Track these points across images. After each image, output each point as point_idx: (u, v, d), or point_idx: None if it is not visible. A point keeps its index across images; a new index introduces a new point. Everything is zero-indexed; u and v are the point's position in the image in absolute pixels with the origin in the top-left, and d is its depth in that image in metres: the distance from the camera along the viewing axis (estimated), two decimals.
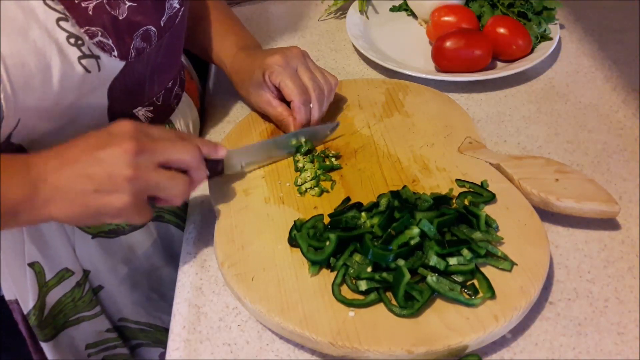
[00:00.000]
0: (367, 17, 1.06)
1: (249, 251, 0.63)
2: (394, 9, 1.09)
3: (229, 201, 0.68)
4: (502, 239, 0.62)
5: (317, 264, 0.60)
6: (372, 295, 0.57)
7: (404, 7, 1.09)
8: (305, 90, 0.73)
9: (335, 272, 0.60)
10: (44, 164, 0.54)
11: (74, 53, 0.57)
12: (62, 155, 0.54)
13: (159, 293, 0.84)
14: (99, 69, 0.59)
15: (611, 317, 0.59)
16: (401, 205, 0.63)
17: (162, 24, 0.64)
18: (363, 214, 0.63)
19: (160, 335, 0.87)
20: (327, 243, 0.60)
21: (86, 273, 0.78)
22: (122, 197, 0.53)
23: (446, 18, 0.96)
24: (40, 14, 0.55)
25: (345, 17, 1.04)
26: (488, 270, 0.59)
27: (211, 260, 0.67)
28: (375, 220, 0.62)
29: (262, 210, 0.67)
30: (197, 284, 0.65)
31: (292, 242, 0.63)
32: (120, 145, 0.53)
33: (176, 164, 0.57)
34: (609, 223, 0.68)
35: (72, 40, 0.56)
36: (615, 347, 0.57)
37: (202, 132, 0.85)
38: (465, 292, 0.57)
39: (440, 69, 0.92)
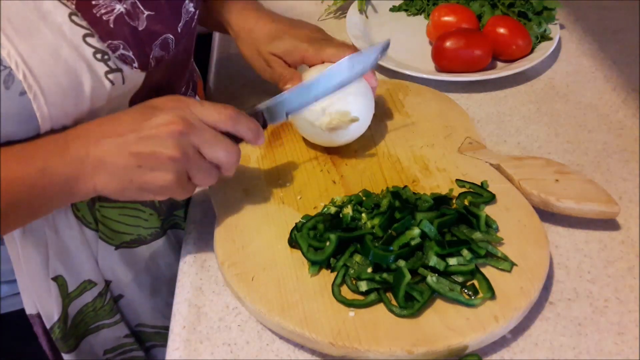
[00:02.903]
0: (367, 17, 1.06)
1: (249, 251, 0.63)
2: (394, 9, 1.09)
3: (229, 201, 0.68)
4: (502, 239, 0.62)
5: (317, 264, 0.60)
6: (372, 296, 0.57)
7: (404, 7, 1.09)
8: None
9: (335, 273, 0.60)
10: (85, 138, 0.54)
11: (101, 68, 0.57)
12: (104, 128, 0.55)
13: None
14: (123, 82, 0.59)
15: (611, 317, 0.59)
16: (402, 205, 0.63)
17: (179, 30, 0.64)
18: (363, 214, 0.63)
19: None
20: (327, 243, 0.60)
21: (107, 283, 0.78)
22: (165, 175, 0.55)
23: (446, 18, 0.96)
24: (67, 31, 0.55)
25: (345, 17, 1.04)
26: (488, 271, 0.59)
27: (211, 260, 0.67)
28: (376, 221, 0.62)
29: (262, 210, 0.67)
30: (197, 284, 0.65)
31: (292, 243, 0.63)
32: (168, 123, 0.54)
33: (211, 160, 0.58)
34: (609, 223, 0.68)
35: (98, 56, 0.56)
36: (615, 347, 0.57)
37: None
38: (465, 293, 0.57)
39: (440, 69, 0.92)
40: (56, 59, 0.54)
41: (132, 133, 0.54)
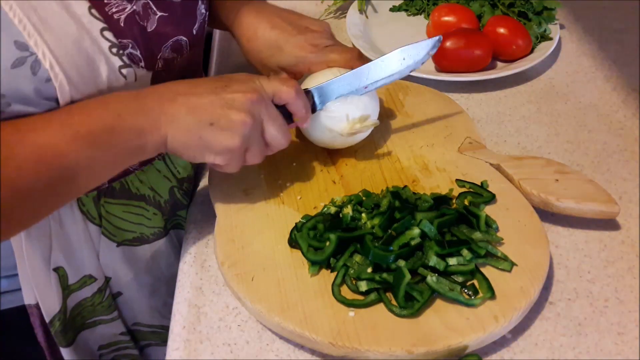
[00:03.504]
0: (367, 17, 1.06)
1: (249, 251, 0.63)
2: (394, 9, 1.09)
3: (229, 201, 0.68)
4: (502, 239, 0.62)
5: (317, 264, 0.60)
6: (372, 296, 0.57)
7: (404, 7, 1.09)
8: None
9: (335, 273, 0.60)
10: (158, 94, 0.57)
11: (116, 62, 0.58)
12: (179, 88, 0.58)
13: None
14: (135, 79, 0.60)
15: (611, 317, 0.59)
16: (402, 205, 0.63)
17: (194, 33, 0.64)
18: (363, 214, 0.63)
19: None
20: (327, 243, 0.60)
21: (107, 280, 0.78)
22: (234, 138, 0.58)
23: (446, 18, 0.96)
24: (87, 24, 0.56)
25: (345, 17, 1.04)
26: (488, 271, 0.59)
27: (211, 260, 0.67)
28: (376, 221, 0.62)
29: (262, 210, 0.67)
30: (197, 284, 0.65)
31: (292, 243, 0.63)
32: (244, 92, 0.58)
33: (266, 137, 0.61)
34: (609, 223, 0.68)
35: (114, 50, 0.57)
36: (615, 347, 0.57)
37: None
38: (465, 293, 0.57)
39: (440, 69, 0.92)
40: (79, 49, 0.55)
41: (210, 94, 0.57)
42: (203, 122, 0.57)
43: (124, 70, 0.58)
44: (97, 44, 0.56)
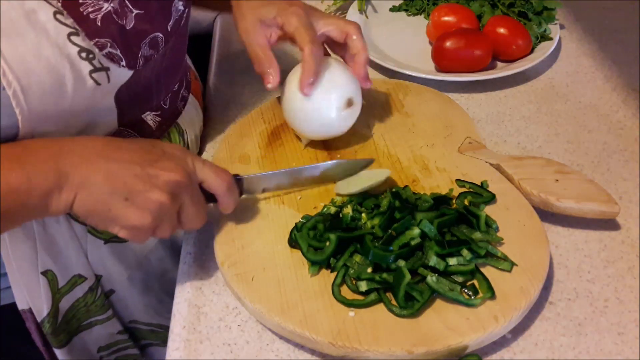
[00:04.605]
0: (367, 17, 1.06)
1: (249, 251, 0.63)
2: (394, 9, 1.09)
3: None
4: (502, 239, 0.62)
5: (317, 264, 0.60)
6: (372, 296, 0.57)
7: (404, 7, 1.09)
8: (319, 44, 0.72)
9: (335, 273, 0.60)
10: (79, 154, 0.53)
11: (85, 67, 0.56)
12: (106, 150, 0.54)
13: (171, 295, 0.84)
14: (109, 81, 0.59)
15: (611, 317, 0.59)
16: (402, 205, 0.63)
17: (169, 29, 0.64)
18: (363, 214, 0.63)
19: None
20: (327, 243, 0.60)
21: (98, 278, 0.78)
22: (145, 217, 0.54)
23: (446, 18, 0.96)
24: (51, 30, 0.54)
25: (345, 17, 1.04)
26: (488, 271, 0.59)
27: (211, 260, 0.67)
28: (376, 221, 0.62)
29: (262, 211, 0.67)
30: (197, 284, 0.65)
31: (292, 243, 0.63)
32: (172, 171, 0.55)
33: (181, 217, 0.58)
34: (609, 223, 0.68)
35: (83, 55, 0.56)
36: (615, 347, 0.57)
37: (202, 131, 0.85)
38: (465, 293, 0.57)
39: (440, 69, 0.92)
40: (38, 57, 0.53)
41: (135, 165, 0.54)
42: (117, 194, 0.53)
43: (95, 75, 0.57)
44: (61, 51, 0.55)
